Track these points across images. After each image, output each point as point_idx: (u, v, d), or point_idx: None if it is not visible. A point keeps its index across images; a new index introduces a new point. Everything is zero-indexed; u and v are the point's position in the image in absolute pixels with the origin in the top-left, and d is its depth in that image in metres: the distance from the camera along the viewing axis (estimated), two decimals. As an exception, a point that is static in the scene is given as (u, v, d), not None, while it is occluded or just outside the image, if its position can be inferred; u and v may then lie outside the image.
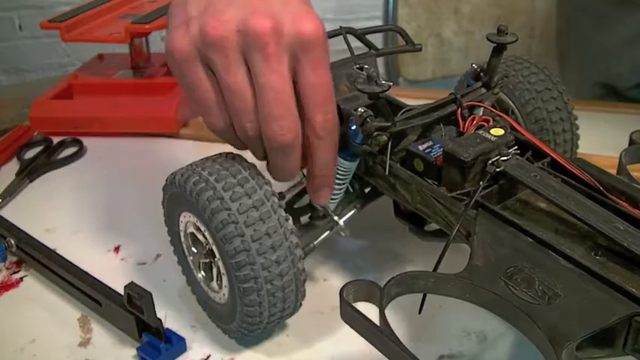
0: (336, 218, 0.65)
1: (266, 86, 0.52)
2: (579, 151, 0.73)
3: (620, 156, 0.60)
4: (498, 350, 0.60)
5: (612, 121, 1.01)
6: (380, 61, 1.05)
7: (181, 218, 0.60)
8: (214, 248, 0.56)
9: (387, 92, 0.57)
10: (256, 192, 0.54)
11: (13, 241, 0.73)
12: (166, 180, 0.59)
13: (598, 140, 0.83)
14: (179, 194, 0.58)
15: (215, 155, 0.58)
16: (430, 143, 0.60)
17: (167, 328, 0.61)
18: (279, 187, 0.59)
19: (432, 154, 0.59)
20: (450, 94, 0.63)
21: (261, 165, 0.58)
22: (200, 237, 0.58)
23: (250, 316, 0.56)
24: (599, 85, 1.18)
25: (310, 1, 0.55)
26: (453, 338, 0.61)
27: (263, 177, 0.56)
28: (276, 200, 0.55)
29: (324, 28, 0.52)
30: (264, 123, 0.53)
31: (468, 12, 1.61)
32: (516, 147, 0.58)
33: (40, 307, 0.68)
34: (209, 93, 0.54)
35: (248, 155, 0.58)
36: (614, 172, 0.58)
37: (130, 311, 0.60)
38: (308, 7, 0.54)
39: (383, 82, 0.55)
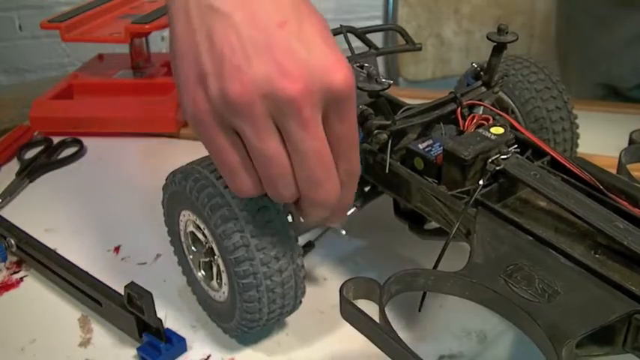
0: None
1: (307, 153, 0.47)
2: (579, 150, 0.73)
3: (620, 155, 0.60)
4: (498, 350, 0.60)
5: (612, 120, 1.01)
6: (380, 61, 1.05)
7: (181, 217, 0.60)
8: (214, 246, 0.56)
9: (387, 91, 0.57)
10: None
11: (13, 241, 0.73)
12: (166, 179, 0.59)
13: (598, 140, 0.82)
14: (179, 192, 0.58)
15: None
16: (430, 142, 0.60)
17: (167, 328, 0.61)
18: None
19: (432, 152, 0.59)
20: (450, 92, 0.64)
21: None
22: (200, 236, 0.58)
23: (250, 312, 0.56)
24: (600, 86, 1.17)
25: (333, 37, 0.48)
26: (453, 338, 0.61)
27: None
28: None
29: (353, 77, 0.47)
30: (307, 188, 0.49)
31: (468, 12, 1.62)
32: (516, 146, 0.58)
33: (41, 307, 0.68)
34: (235, 157, 0.48)
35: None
36: (614, 171, 0.58)
37: (131, 311, 0.60)
38: (334, 48, 0.47)
39: (383, 80, 0.55)
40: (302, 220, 0.55)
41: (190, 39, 0.47)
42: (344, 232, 0.65)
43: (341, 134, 0.48)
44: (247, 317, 0.56)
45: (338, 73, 0.46)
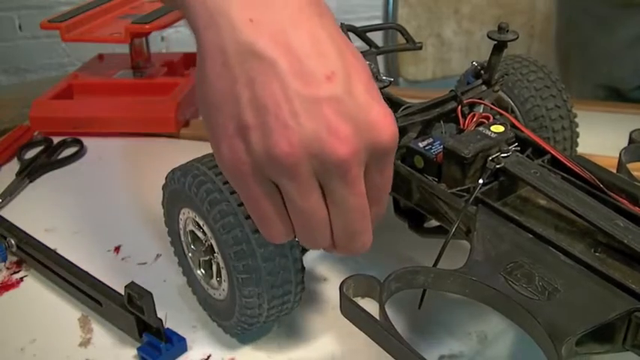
0: None
1: (350, 210, 0.46)
2: (580, 150, 0.73)
3: (620, 154, 0.60)
4: (499, 350, 0.60)
5: (612, 120, 1.01)
6: (380, 61, 1.05)
7: (181, 216, 0.60)
8: (213, 242, 0.56)
9: (387, 88, 0.57)
10: None
11: (13, 241, 0.73)
12: (166, 178, 0.60)
13: (598, 140, 0.82)
14: (178, 190, 0.58)
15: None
16: (430, 140, 0.60)
17: (167, 328, 0.61)
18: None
19: (432, 150, 0.59)
20: (451, 91, 0.64)
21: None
22: (199, 234, 0.58)
23: (249, 308, 0.56)
24: (601, 87, 1.17)
25: (376, 86, 0.46)
26: (454, 337, 0.61)
27: None
28: None
29: (396, 131, 0.45)
30: (343, 240, 0.48)
31: (468, 12, 1.62)
32: (516, 144, 0.58)
33: (41, 307, 0.68)
34: (272, 209, 0.46)
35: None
36: (614, 171, 0.58)
37: (131, 311, 0.60)
38: (380, 101, 0.45)
39: (384, 77, 0.55)
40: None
41: (228, 85, 0.43)
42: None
43: (379, 185, 0.47)
44: (247, 313, 0.56)
45: (386, 129, 0.44)
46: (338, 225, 0.47)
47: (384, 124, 0.44)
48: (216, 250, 0.56)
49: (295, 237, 0.48)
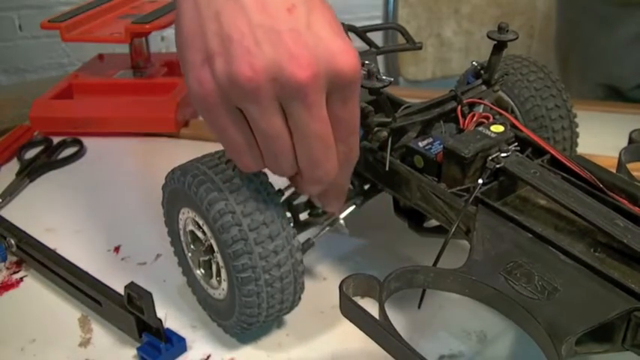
0: (336, 215, 0.64)
1: (310, 134, 0.49)
2: (579, 150, 0.73)
3: (620, 154, 0.60)
4: (498, 349, 0.60)
5: (612, 120, 1.01)
6: (380, 61, 1.05)
7: (180, 216, 0.60)
8: (213, 242, 0.56)
9: (387, 88, 0.57)
10: (253, 183, 0.55)
11: (13, 241, 0.73)
12: (166, 177, 0.60)
13: (598, 140, 0.82)
14: (178, 190, 0.58)
15: (214, 152, 0.58)
16: (430, 140, 0.60)
17: (167, 328, 0.61)
18: (278, 183, 0.59)
19: (432, 150, 0.59)
20: (450, 90, 0.64)
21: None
22: (199, 234, 0.58)
23: (249, 307, 0.56)
24: (600, 86, 1.17)
25: (340, 25, 0.49)
26: (453, 338, 0.61)
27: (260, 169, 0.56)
28: (273, 191, 0.56)
29: (359, 63, 0.48)
30: (307, 166, 0.51)
31: (468, 12, 1.62)
32: (516, 144, 0.58)
33: (40, 307, 0.68)
34: (240, 136, 0.50)
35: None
36: (613, 171, 0.58)
37: (130, 311, 0.60)
38: (342, 36, 0.48)
39: (384, 77, 0.56)
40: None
41: (198, 22, 0.47)
42: (344, 232, 0.65)
43: (343, 118, 0.50)
44: (246, 313, 0.56)
45: (345, 58, 0.47)
46: (301, 151, 0.50)
47: (344, 54, 0.47)
48: (215, 249, 0.56)
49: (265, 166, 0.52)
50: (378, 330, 0.45)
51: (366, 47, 0.74)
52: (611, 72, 1.15)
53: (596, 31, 1.14)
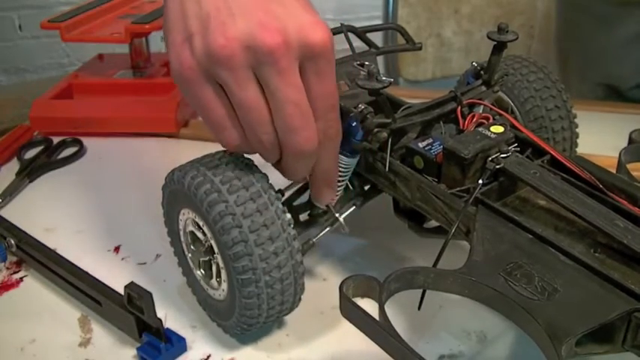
0: (337, 215, 0.64)
1: (284, 100, 0.50)
2: (579, 150, 0.73)
3: (620, 155, 0.60)
4: (498, 350, 0.60)
5: (612, 120, 1.01)
6: (380, 61, 1.05)
7: (180, 216, 0.60)
8: (213, 243, 0.56)
9: (386, 91, 0.57)
10: (253, 185, 0.55)
11: (13, 241, 0.73)
12: (165, 178, 0.60)
13: (598, 140, 0.82)
14: (178, 190, 0.58)
15: (214, 152, 0.58)
16: (430, 140, 0.60)
17: (167, 328, 0.61)
18: (278, 184, 0.59)
19: (431, 151, 0.59)
20: (450, 91, 0.64)
21: (260, 164, 0.58)
22: (199, 234, 0.58)
23: (249, 308, 0.56)
24: (600, 86, 1.17)
25: (312, 5, 0.53)
26: (453, 338, 0.61)
27: (260, 171, 0.56)
28: (273, 193, 0.55)
29: (331, 37, 0.51)
30: (285, 135, 0.52)
31: (468, 12, 1.62)
32: (516, 144, 0.58)
33: (40, 307, 0.68)
34: (221, 110, 0.52)
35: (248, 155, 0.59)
36: (613, 171, 0.58)
37: (130, 311, 0.60)
38: (312, 12, 0.52)
39: (383, 78, 0.56)
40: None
41: (180, 7, 0.51)
42: (344, 231, 0.65)
43: (319, 92, 0.52)
44: (246, 314, 0.56)
45: (316, 31, 0.50)
46: (277, 119, 0.52)
47: (314, 25, 0.50)
48: (215, 250, 0.56)
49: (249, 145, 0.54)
50: (378, 331, 0.46)
51: (366, 48, 0.74)
52: (611, 71, 1.15)
53: (596, 30, 1.14)
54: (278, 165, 0.57)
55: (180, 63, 0.51)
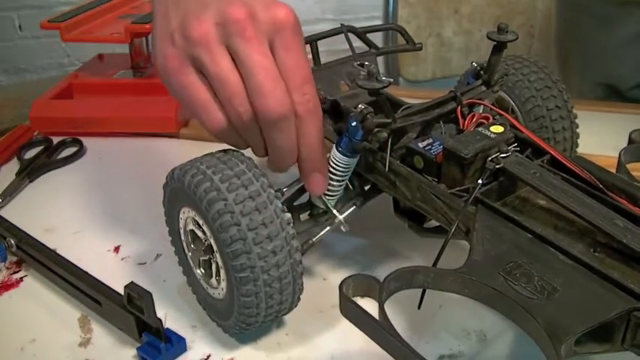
0: (335, 212, 0.64)
1: (253, 67, 0.54)
2: (579, 150, 0.73)
3: (620, 155, 0.60)
4: (498, 349, 0.60)
5: (612, 120, 1.01)
6: (380, 61, 1.05)
7: (181, 215, 0.60)
8: (212, 241, 0.56)
9: (386, 91, 0.57)
10: (253, 183, 0.55)
11: (13, 241, 0.73)
12: (166, 177, 0.60)
13: (598, 140, 0.83)
14: (178, 189, 0.58)
15: (214, 151, 0.59)
16: (430, 140, 0.60)
17: (167, 328, 0.61)
18: (278, 184, 0.59)
19: (431, 151, 0.59)
20: (450, 91, 0.64)
21: (260, 165, 0.58)
22: (199, 233, 0.58)
23: (247, 307, 0.56)
24: (600, 85, 1.17)
25: None
26: (453, 338, 0.61)
27: (260, 170, 0.57)
28: (272, 192, 0.55)
29: (295, 15, 0.56)
30: (257, 102, 0.54)
31: (468, 12, 1.62)
32: (516, 144, 0.58)
33: (40, 307, 0.68)
34: (202, 93, 0.56)
35: (247, 152, 0.59)
36: (613, 171, 0.58)
37: (130, 311, 0.60)
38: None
39: (383, 78, 0.56)
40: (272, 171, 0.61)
41: (164, 10, 0.57)
42: (344, 229, 0.65)
43: (288, 65, 0.55)
44: (245, 312, 0.56)
45: (279, 7, 0.55)
46: (249, 88, 0.54)
47: (277, 4, 0.55)
48: (215, 249, 0.57)
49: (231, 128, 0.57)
50: (378, 330, 0.46)
51: (366, 48, 0.74)
52: (611, 71, 1.16)
53: (596, 30, 1.14)
54: (269, 163, 0.60)
55: (164, 57, 0.56)
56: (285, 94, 0.55)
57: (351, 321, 0.48)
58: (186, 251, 0.62)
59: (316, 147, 0.59)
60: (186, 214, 0.59)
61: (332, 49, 0.76)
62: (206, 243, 0.58)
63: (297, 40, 0.56)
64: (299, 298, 0.59)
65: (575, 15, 1.21)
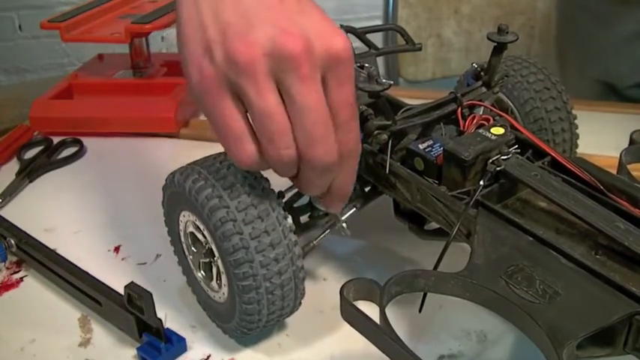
0: (339, 216, 0.64)
1: (305, 108, 0.48)
2: (579, 151, 0.73)
3: (621, 155, 0.60)
4: (498, 350, 0.60)
5: (612, 120, 1.01)
6: (380, 61, 1.05)
7: (181, 217, 0.60)
8: (213, 247, 0.56)
9: (387, 91, 0.57)
10: (255, 190, 0.54)
11: (13, 241, 0.73)
12: (166, 180, 0.59)
13: (598, 140, 0.82)
14: (178, 193, 0.58)
15: (215, 154, 0.58)
16: (430, 142, 0.60)
17: (167, 328, 0.61)
18: (278, 185, 0.59)
19: (432, 153, 0.59)
20: (450, 92, 0.63)
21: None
22: (200, 236, 0.58)
23: (249, 314, 0.55)
24: (599, 83, 1.18)
25: (327, 17, 0.51)
26: (453, 338, 0.61)
27: (262, 175, 0.56)
28: (274, 198, 0.55)
29: (351, 46, 0.50)
30: (306, 147, 0.50)
31: (468, 12, 1.61)
32: (517, 146, 0.58)
33: (41, 307, 0.68)
34: (239, 122, 0.50)
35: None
36: (614, 171, 0.58)
37: (130, 311, 0.60)
38: (331, 22, 0.50)
39: (383, 80, 0.55)
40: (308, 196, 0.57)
41: (197, 17, 0.50)
42: (344, 234, 0.65)
43: (339, 100, 0.50)
44: (247, 319, 0.56)
45: (337, 38, 0.49)
46: (298, 127, 0.49)
47: (335, 33, 0.49)
48: (216, 255, 0.56)
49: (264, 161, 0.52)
50: (379, 335, 0.45)
51: (366, 49, 0.74)
52: (609, 69, 1.16)
53: (594, 28, 1.15)
54: (294, 179, 0.55)
55: (201, 73, 0.49)
56: (334, 143, 0.51)
57: (352, 325, 0.48)
58: (187, 253, 0.62)
59: (350, 182, 0.55)
60: (187, 218, 0.59)
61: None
62: (207, 246, 0.58)
63: (350, 74, 0.50)
64: (300, 303, 0.59)
65: (574, 13, 1.21)
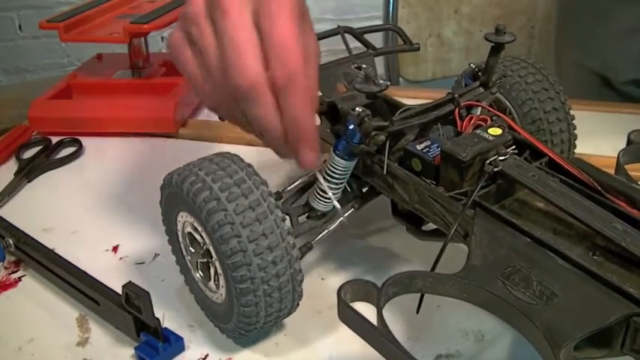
0: (336, 203, 0.64)
1: (223, 38, 0.54)
2: (577, 151, 0.73)
3: (618, 156, 0.60)
4: (496, 350, 0.60)
5: (610, 121, 1.01)
6: (380, 61, 1.05)
7: (179, 218, 0.60)
8: (211, 249, 0.56)
9: (386, 91, 0.57)
10: (253, 192, 0.54)
11: (11, 241, 0.73)
12: (164, 180, 0.59)
13: (596, 140, 0.82)
14: (176, 194, 0.58)
15: (212, 155, 0.58)
16: (428, 143, 0.60)
17: (165, 328, 0.61)
18: (276, 186, 0.59)
19: (429, 153, 0.59)
20: (448, 93, 0.63)
21: (258, 165, 0.58)
22: (197, 237, 0.58)
23: (247, 316, 0.55)
24: (596, 77, 1.18)
25: None
26: (451, 338, 0.61)
27: (260, 177, 0.56)
28: (272, 201, 0.55)
29: None
30: (226, 74, 0.54)
31: (468, 12, 1.61)
32: (514, 147, 0.58)
33: (39, 307, 0.68)
34: (191, 65, 0.57)
35: (246, 155, 0.59)
36: (612, 172, 0.58)
37: (128, 311, 0.60)
38: None
39: (381, 81, 0.55)
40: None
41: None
42: (343, 220, 0.65)
43: (273, 35, 0.53)
44: (244, 320, 0.56)
45: None
46: (222, 58, 0.54)
47: None
48: (214, 256, 0.56)
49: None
50: (376, 336, 0.45)
51: (364, 49, 0.74)
52: (606, 64, 1.16)
53: (593, 23, 1.15)
54: (266, 145, 0.59)
55: (172, 37, 0.58)
56: (253, 64, 0.53)
57: (349, 327, 0.48)
58: (185, 253, 0.62)
59: (301, 119, 0.54)
60: (185, 219, 0.59)
61: (330, 49, 0.76)
62: (204, 247, 0.58)
63: (281, 8, 0.53)
64: (298, 304, 0.59)
65: (572, 7, 1.22)
